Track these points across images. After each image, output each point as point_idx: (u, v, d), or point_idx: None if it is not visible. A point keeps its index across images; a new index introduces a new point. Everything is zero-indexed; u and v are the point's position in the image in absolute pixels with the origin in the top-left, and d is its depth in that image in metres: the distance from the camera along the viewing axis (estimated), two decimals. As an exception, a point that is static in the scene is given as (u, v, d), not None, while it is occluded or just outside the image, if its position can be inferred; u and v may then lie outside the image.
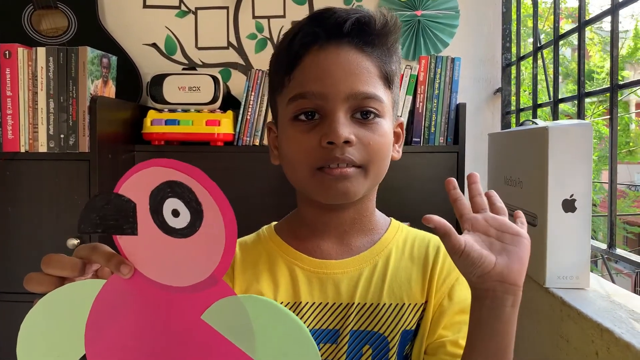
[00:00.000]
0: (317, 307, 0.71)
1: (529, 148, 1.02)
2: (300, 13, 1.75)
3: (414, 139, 1.49)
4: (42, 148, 1.38)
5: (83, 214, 0.46)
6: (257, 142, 1.52)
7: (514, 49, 1.64)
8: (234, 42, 1.79)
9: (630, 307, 0.83)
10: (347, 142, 0.64)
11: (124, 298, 0.48)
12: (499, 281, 0.57)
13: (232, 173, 1.50)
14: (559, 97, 1.29)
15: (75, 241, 1.33)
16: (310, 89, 0.66)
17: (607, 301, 0.87)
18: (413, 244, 0.76)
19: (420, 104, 1.49)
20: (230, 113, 1.53)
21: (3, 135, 1.38)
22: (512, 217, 0.64)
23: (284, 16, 1.77)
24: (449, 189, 0.66)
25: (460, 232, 0.59)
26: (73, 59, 1.38)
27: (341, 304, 0.71)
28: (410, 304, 0.71)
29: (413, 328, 0.71)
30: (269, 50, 1.78)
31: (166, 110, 1.53)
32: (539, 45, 1.44)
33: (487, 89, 1.74)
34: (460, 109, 1.47)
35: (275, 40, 1.78)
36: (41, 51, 1.38)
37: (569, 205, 0.92)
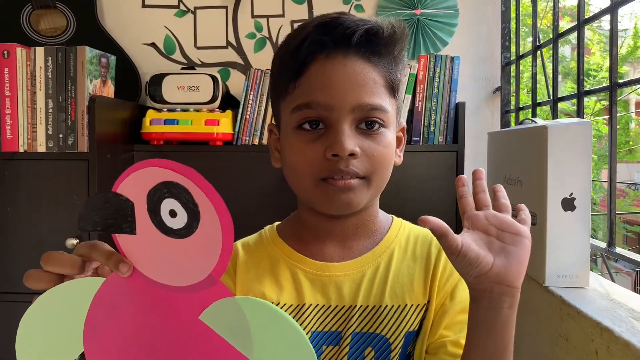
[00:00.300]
0: (320, 309, 0.71)
1: (529, 147, 1.02)
2: (299, 12, 1.75)
3: (413, 138, 1.49)
4: (41, 148, 1.38)
5: (82, 212, 0.46)
6: (256, 142, 1.52)
7: (513, 48, 1.64)
8: (233, 42, 1.79)
9: (630, 305, 0.83)
10: (352, 154, 0.64)
11: (122, 296, 0.49)
12: (496, 282, 0.56)
13: (231, 173, 1.50)
14: (559, 96, 1.29)
15: (74, 241, 1.33)
16: (316, 99, 0.65)
17: (606, 300, 0.86)
18: (416, 243, 0.76)
19: (420, 103, 1.49)
20: (229, 112, 1.53)
21: (2, 135, 1.38)
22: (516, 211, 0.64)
23: (282, 15, 1.76)
24: (457, 186, 0.65)
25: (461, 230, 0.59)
26: (72, 59, 1.37)
27: (344, 306, 0.71)
28: (412, 305, 0.71)
29: (416, 329, 0.71)
30: (268, 50, 1.78)
31: (165, 109, 1.53)
32: (538, 43, 1.44)
33: (486, 88, 1.74)
34: (459, 108, 1.47)
35: (274, 40, 1.78)
36: (40, 51, 1.38)
37: (568, 204, 0.92)
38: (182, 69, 1.74)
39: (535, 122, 1.09)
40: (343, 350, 0.70)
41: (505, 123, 1.67)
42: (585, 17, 1.15)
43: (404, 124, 0.77)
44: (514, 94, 1.64)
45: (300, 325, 0.69)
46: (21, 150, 1.38)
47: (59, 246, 1.33)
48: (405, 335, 0.70)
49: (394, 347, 0.69)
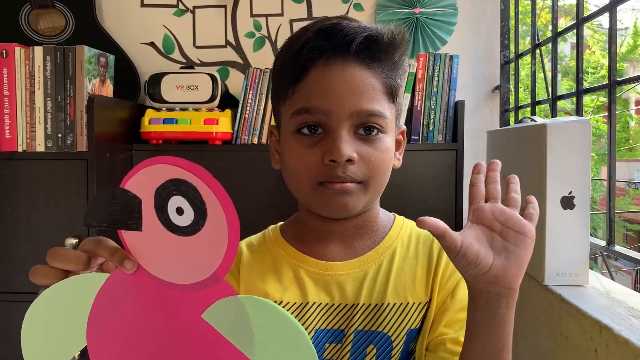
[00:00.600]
0: (324, 307, 0.72)
1: (528, 145, 1.02)
2: (298, 11, 1.74)
3: (412, 137, 1.49)
4: (40, 147, 1.37)
5: (89, 208, 0.46)
6: (255, 141, 1.52)
7: (512, 47, 1.63)
8: (232, 41, 1.79)
9: (629, 304, 0.83)
10: (349, 160, 0.64)
11: (126, 293, 0.49)
12: (493, 283, 0.56)
13: (230, 172, 1.50)
14: (558, 94, 1.29)
15: (74, 240, 1.33)
16: (315, 104, 0.66)
17: (605, 298, 0.86)
18: (418, 241, 0.76)
19: (419, 101, 1.49)
20: (228, 112, 1.53)
21: (0, 134, 1.37)
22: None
23: (281, 14, 1.76)
24: (473, 173, 0.64)
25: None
26: (70, 58, 1.37)
27: (346, 304, 0.71)
28: (414, 303, 0.72)
29: (417, 326, 0.71)
30: (267, 49, 1.78)
31: (164, 109, 1.53)
32: (537, 42, 1.43)
33: (485, 87, 1.74)
34: (458, 107, 1.47)
35: (273, 39, 1.78)
36: (38, 50, 1.37)
37: (567, 202, 0.92)
38: (181, 68, 1.74)
39: (535, 121, 1.09)
40: (346, 347, 0.70)
41: (504, 121, 1.67)
42: (584, 15, 1.15)
43: (404, 127, 0.78)
44: (513, 93, 1.63)
45: (304, 323, 0.70)
46: (20, 149, 1.38)
47: (58, 245, 1.32)
48: (407, 333, 0.70)
49: (395, 345, 0.70)
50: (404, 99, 1.48)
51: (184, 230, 0.44)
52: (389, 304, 0.71)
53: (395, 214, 0.81)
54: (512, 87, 1.65)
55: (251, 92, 1.52)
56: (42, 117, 1.37)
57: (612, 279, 1.12)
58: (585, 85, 1.16)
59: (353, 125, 0.66)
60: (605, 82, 1.01)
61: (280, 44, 1.73)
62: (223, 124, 1.49)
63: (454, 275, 0.73)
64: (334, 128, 0.65)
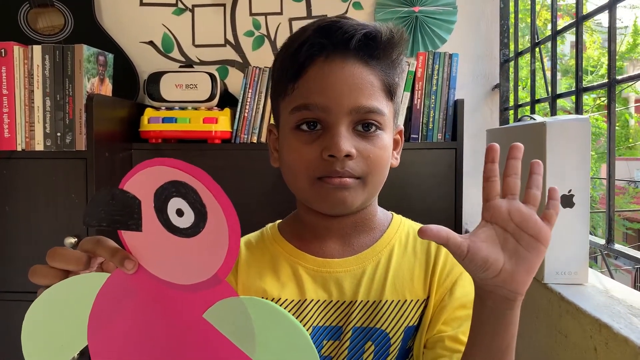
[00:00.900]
0: (322, 304, 0.72)
1: (527, 144, 1.01)
2: (298, 10, 1.74)
3: (412, 136, 1.49)
4: (39, 146, 1.37)
5: (89, 208, 0.47)
6: (254, 140, 1.52)
7: (512, 45, 1.63)
8: (231, 40, 1.79)
9: (629, 302, 0.83)
10: (348, 155, 0.65)
11: (127, 292, 0.49)
12: (500, 286, 0.55)
13: (229, 171, 1.50)
14: (557, 93, 1.29)
15: (73, 239, 1.33)
16: (314, 100, 0.66)
17: (605, 296, 0.86)
18: (415, 239, 0.77)
19: (418, 100, 1.49)
20: (227, 111, 1.52)
21: (-1, 133, 1.37)
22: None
23: (281, 13, 1.76)
24: (487, 161, 0.59)
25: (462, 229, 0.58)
26: (69, 57, 1.37)
27: (344, 301, 0.72)
28: (412, 300, 0.72)
29: (415, 324, 0.72)
30: (266, 48, 1.78)
31: (163, 108, 1.53)
32: (536, 40, 1.43)
33: (485, 85, 1.74)
34: (458, 105, 1.47)
35: (272, 38, 1.77)
36: (37, 49, 1.37)
37: (567, 201, 0.92)
38: (180, 67, 1.74)
39: (534, 119, 1.09)
40: (344, 344, 0.70)
41: (504, 120, 1.66)
42: (584, 13, 1.15)
43: (402, 126, 0.78)
44: (512, 91, 1.63)
45: (302, 320, 0.70)
46: (19, 148, 1.38)
47: (57, 244, 1.32)
48: (405, 330, 0.71)
49: (393, 342, 0.70)
50: (403, 98, 1.48)
51: (184, 231, 0.44)
52: (387, 301, 0.71)
53: (393, 213, 0.81)
54: (511, 86, 1.65)
55: (250, 90, 1.52)
56: (41, 116, 1.37)
57: (612, 277, 1.11)
58: (584, 84, 1.16)
59: (352, 122, 0.67)
60: (604, 81, 1.01)
61: (279, 42, 1.74)
62: (222, 122, 1.49)
63: (451, 274, 0.73)
64: (333, 124, 0.66)
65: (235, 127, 1.52)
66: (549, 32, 1.30)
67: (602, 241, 1.02)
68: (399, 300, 0.71)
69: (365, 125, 0.68)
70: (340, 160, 0.65)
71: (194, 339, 0.48)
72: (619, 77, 1.00)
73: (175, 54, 1.80)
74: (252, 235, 0.82)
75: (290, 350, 0.47)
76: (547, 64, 1.53)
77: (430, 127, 1.49)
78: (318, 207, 0.71)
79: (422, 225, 0.78)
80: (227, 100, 1.62)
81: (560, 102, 1.30)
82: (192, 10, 1.79)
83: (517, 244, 0.54)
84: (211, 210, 0.42)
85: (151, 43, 1.80)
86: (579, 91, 1.14)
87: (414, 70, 1.49)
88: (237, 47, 1.79)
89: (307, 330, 0.70)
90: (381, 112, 0.68)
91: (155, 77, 1.53)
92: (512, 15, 1.66)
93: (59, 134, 1.37)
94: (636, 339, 0.66)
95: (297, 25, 1.73)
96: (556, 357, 0.90)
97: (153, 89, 1.52)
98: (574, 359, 0.82)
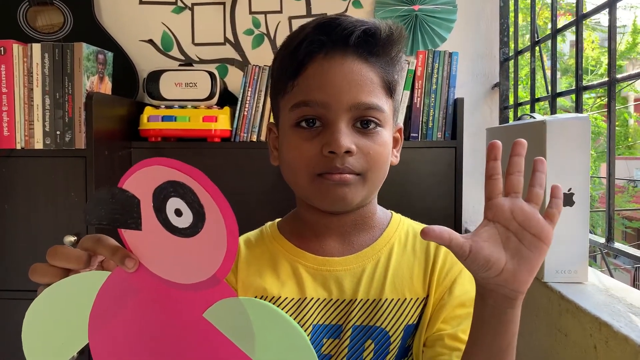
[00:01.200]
0: (322, 303, 0.72)
1: (528, 142, 1.02)
2: (297, 8, 1.74)
3: (411, 134, 1.49)
4: (38, 145, 1.37)
5: (89, 206, 0.47)
6: (254, 139, 1.51)
7: (511, 44, 1.63)
8: (231, 38, 1.79)
9: (629, 300, 0.83)
10: (348, 151, 0.65)
11: (127, 291, 0.49)
12: (502, 285, 0.55)
13: (229, 169, 1.49)
14: (557, 92, 1.29)
15: (72, 238, 1.33)
16: (314, 97, 0.66)
17: (605, 295, 0.86)
18: (415, 238, 0.77)
19: (418, 99, 1.49)
20: (227, 109, 1.52)
21: (-1, 132, 1.37)
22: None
23: (280, 12, 1.76)
24: (489, 158, 0.58)
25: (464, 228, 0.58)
26: (69, 55, 1.37)
27: (344, 300, 0.72)
28: (411, 299, 0.72)
29: (415, 322, 0.72)
30: (266, 46, 1.78)
31: (163, 106, 1.52)
32: (536, 39, 1.43)
33: (484, 84, 1.74)
34: (458, 104, 1.47)
35: (272, 36, 1.77)
36: (36, 47, 1.37)
37: (567, 199, 0.92)
38: (180, 65, 1.73)
39: (534, 118, 1.09)
40: (344, 343, 0.70)
41: (503, 119, 1.66)
42: (584, 11, 1.15)
43: (401, 125, 0.79)
44: (512, 90, 1.63)
45: (302, 318, 0.70)
46: (18, 147, 1.38)
47: (56, 243, 1.32)
48: (404, 328, 0.71)
49: (393, 340, 0.70)
50: (403, 97, 1.48)
51: (183, 231, 0.44)
52: (386, 299, 0.71)
53: (392, 212, 0.81)
54: (511, 85, 1.64)
55: (250, 89, 1.52)
56: (41, 115, 1.37)
57: (612, 276, 1.11)
58: (583, 84, 1.16)
59: (352, 118, 0.67)
60: (602, 80, 1.01)
61: (279, 41, 1.74)
62: (222, 121, 1.49)
63: (451, 272, 0.73)
64: (333, 121, 0.66)
65: (234, 126, 1.52)
66: (549, 31, 1.30)
67: (602, 240, 1.02)
68: (399, 299, 0.72)
69: (365, 122, 0.68)
70: (340, 157, 0.65)
71: (194, 337, 0.48)
72: (619, 76, 1.00)
73: (175, 52, 1.80)
74: (251, 234, 0.81)
75: (288, 351, 0.47)
76: (547, 63, 1.53)
77: (430, 126, 1.48)
78: (318, 204, 0.71)
79: (421, 224, 0.79)
80: (227, 99, 1.62)
81: (558, 101, 1.30)
82: (191, 9, 1.79)
83: (519, 243, 0.54)
84: (209, 211, 0.42)
85: (151, 41, 1.80)
86: (579, 90, 1.14)
87: (414, 68, 1.48)
88: (237, 46, 1.79)
89: (307, 328, 0.70)
90: (381, 108, 0.68)
91: (155, 76, 1.52)
92: (512, 14, 1.65)
93: (58, 133, 1.37)
94: (636, 337, 0.66)
95: (297, 24, 1.72)
96: (556, 355, 0.90)
97: (152, 87, 1.52)
98: (574, 358, 0.82)
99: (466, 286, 0.72)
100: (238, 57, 1.79)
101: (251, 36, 1.78)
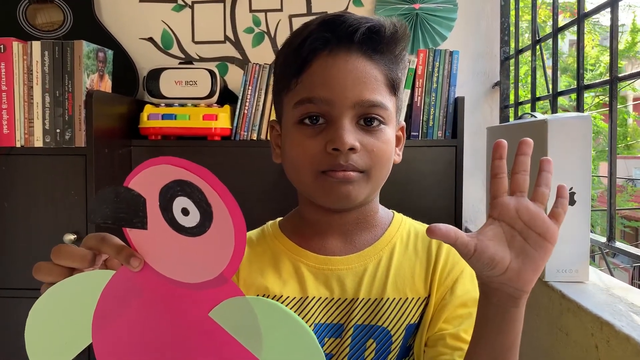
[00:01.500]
0: (323, 302, 0.72)
1: (528, 141, 1.02)
2: (298, 7, 1.74)
3: (412, 133, 1.49)
4: (38, 143, 1.37)
5: (93, 205, 0.46)
6: (254, 137, 1.51)
7: (512, 43, 1.63)
8: (231, 36, 1.78)
9: (630, 300, 0.83)
10: (352, 149, 0.65)
11: (132, 290, 0.49)
12: (506, 284, 0.55)
13: (229, 168, 1.49)
14: (558, 91, 1.29)
15: (72, 236, 1.33)
16: (318, 94, 0.66)
17: (606, 294, 0.86)
18: (417, 238, 0.77)
19: (419, 97, 1.49)
20: (227, 107, 1.52)
21: (-2, 130, 1.37)
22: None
23: (281, 10, 1.75)
24: (494, 157, 0.58)
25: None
26: (68, 53, 1.36)
27: (346, 299, 0.72)
28: (413, 298, 0.72)
29: (416, 321, 0.72)
30: (266, 44, 1.77)
31: (163, 104, 1.52)
32: (537, 38, 1.43)
33: (485, 83, 1.74)
34: (458, 103, 1.46)
35: (272, 34, 1.77)
36: (36, 45, 1.37)
37: (568, 199, 0.92)
38: (180, 63, 1.73)
39: (535, 117, 1.09)
40: (345, 342, 0.70)
41: (504, 118, 1.66)
42: (585, 10, 1.14)
43: (404, 123, 0.78)
44: (513, 89, 1.63)
45: (304, 317, 0.70)
46: (18, 145, 1.38)
47: (56, 241, 1.32)
48: (406, 327, 0.71)
49: (395, 339, 0.70)
50: (404, 95, 1.48)
51: (190, 231, 0.44)
52: (388, 298, 0.71)
53: (394, 211, 0.81)
54: (511, 84, 1.64)
55: (250, 87, 1.52)
56: (40, 113, 1.37)
57: (612, 275, 1.12)
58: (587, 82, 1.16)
59: (355, 116, 0.67)
60: (603, 79, 1.01)
61: (279, 39, 1.74)
62: (222, 119, 1.49)
63: (452, 272, 0.73)
64: (337, 118, 0.66)
65: (235, 124, 1.52)
66: (549, 30, 1.30)
67: (602, 239, 1.02)
68: (400, 298, 0.71)
69: (369, 119, 0.67)
70: (344, 154, 0.65)
71: (200, 337, 0.48)
72: (620, 75, 1.00)
73: (175, 50, 1.80)
74: (252, 233, 0.81)
75: (296, 351, 0.47)
76: (548, 61, 1.53)
77: (430, 125, 1.48)
78: (322, 202, 0.70)
79: (423, 224, 0.79)
80: (227, 97, 1.62)
81: (558, 101, 1.30)
82: (191, 7, 1.78)
83: (524, 242, 0.54)
84: (217, 210, 0.42)
85: (151, 39, 1.79)
86: (580, 89, 1.14)
87: (415, 67, 1.48)
88: (237, 44, 1.78)
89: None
90: (384, 106, 0.68)
91: (155, 74, 1.52)
92: (512, 13, 1.65)
93: (58, 131, 1.36)
94: (638, 336, 0.66)
95: (297, 22, 1.72)
96: (557, 355, 0.90)
97: (152, 85, 1.52)
98: (575, 357, 0.82)
99: (468, 286, 0.72)
100: (238, 56, 1.79)
101: (251, 34, 1.78)
